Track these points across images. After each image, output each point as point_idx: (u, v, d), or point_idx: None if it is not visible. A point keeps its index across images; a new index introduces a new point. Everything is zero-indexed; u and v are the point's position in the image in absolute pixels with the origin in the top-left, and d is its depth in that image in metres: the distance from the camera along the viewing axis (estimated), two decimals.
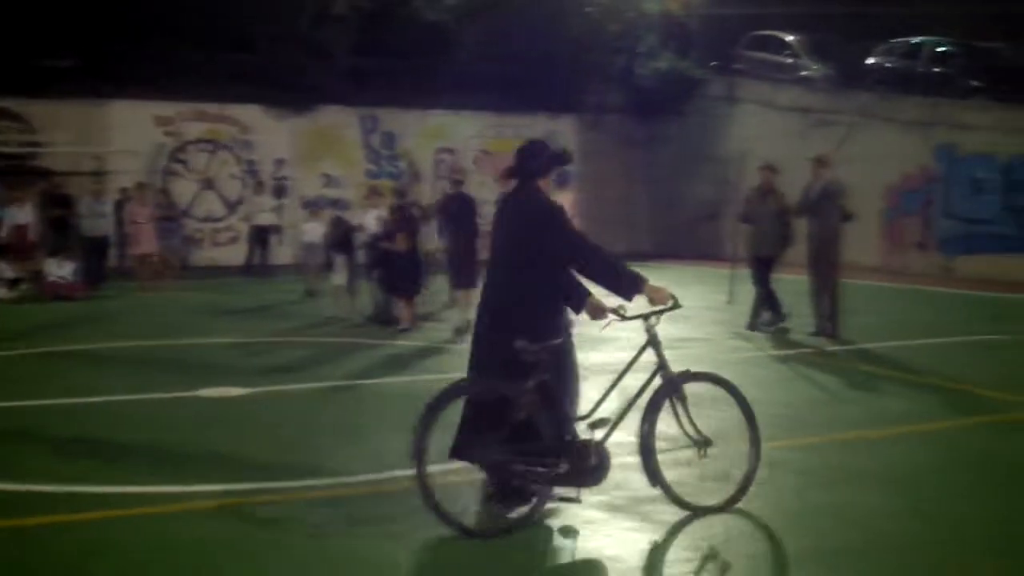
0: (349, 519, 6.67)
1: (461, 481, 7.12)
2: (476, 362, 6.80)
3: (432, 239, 17.42)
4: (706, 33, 31.79)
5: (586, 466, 6.40)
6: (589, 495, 6.98)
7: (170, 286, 20.96)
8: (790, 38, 29.15)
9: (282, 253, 24.44)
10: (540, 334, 6.36)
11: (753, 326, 15.03)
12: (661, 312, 6.58)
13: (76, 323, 16.38)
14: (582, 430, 6.54)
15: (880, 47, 27.35)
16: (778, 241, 14.95)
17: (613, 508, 6.84)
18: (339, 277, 16.88)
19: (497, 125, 29.82)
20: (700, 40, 31.71)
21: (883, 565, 5.92)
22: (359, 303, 16.40)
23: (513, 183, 6.92)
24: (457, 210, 15.36)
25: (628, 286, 6.50)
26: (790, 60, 28.86)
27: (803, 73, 28.41)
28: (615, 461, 7.39)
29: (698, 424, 6.74)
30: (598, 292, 6.71)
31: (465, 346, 13.49)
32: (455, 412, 6.61)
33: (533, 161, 6.76)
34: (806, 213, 14.51)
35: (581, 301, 6.71)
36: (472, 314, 14.33)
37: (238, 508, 6.89)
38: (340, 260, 16.89)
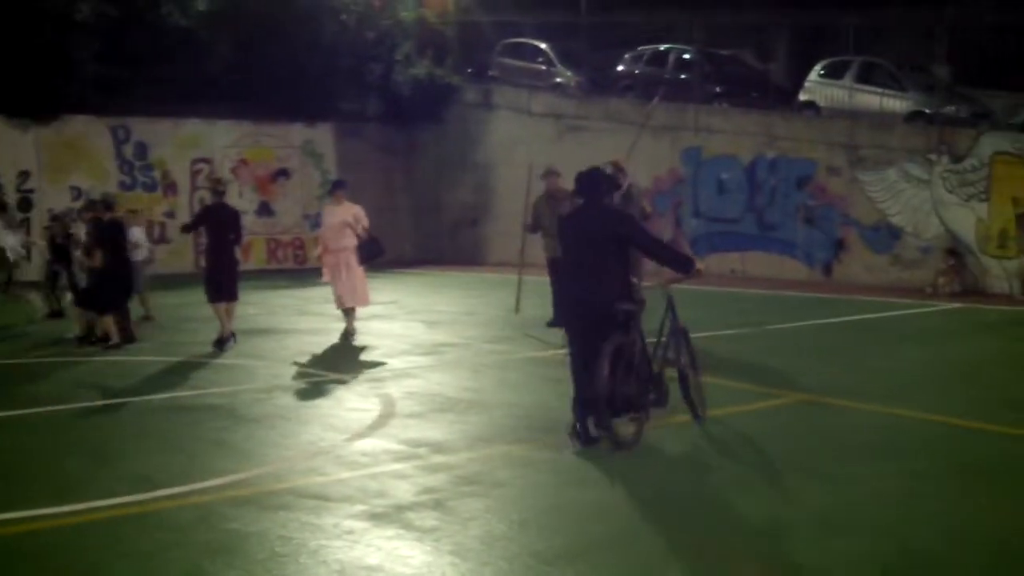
0: (103, 544, 6.51)
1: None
2: (585, 332, 8.66)
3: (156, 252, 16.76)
4: (462, 40, 32.10)
5: (663, 391, 9.05)
6: (350, 506, 7.05)
7: None
8: (544, 45, 29.76)
9: (29, 270, 23.41)
10: (632, 298, 8.78)
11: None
12: (673, 282, 9.18)
13: None
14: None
15: (629, 54, 28.23)
16: None
17: (374, 517, 6.88)
18: (68, 293, 16.26)
19: (254, 134, 29.39)
20: (456, 47, 31.99)
21: (634, 556, 6.17)
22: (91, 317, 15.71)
23: (579, 200, 9.28)
24: (219, 221, 14.92)
25: (686, 265, 8.88)
26: (544, 67, 29.46)
27: (557, 80, 29.07)
28: (374, 471, 7.50)
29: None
30: None
31: (226, 360, 13.39)
32: None
33: (600, 186, 9.06)
34: None
35: None
36: (232, 326, 14.22)
37: None
38: (63, 274, 16.29)
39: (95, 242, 14.65)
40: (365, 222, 15.27)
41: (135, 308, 16.82)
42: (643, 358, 8.75)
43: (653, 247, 9.05)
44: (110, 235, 14.80)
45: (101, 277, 14.65)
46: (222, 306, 14.71)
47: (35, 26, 24.95)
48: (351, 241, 15.08)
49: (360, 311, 15.69)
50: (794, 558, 6.08)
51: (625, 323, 8.57)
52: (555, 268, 14.69)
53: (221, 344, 14.44)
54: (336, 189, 15.80)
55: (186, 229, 16.74)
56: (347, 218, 15.09)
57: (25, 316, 18.08)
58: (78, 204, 21.84)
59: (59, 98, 25.77)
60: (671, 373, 9.28)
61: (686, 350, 9.37)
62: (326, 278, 15.29)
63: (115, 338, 14.74)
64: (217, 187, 15.75)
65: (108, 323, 14.78)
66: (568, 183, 12.19)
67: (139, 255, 16.57)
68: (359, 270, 15.18)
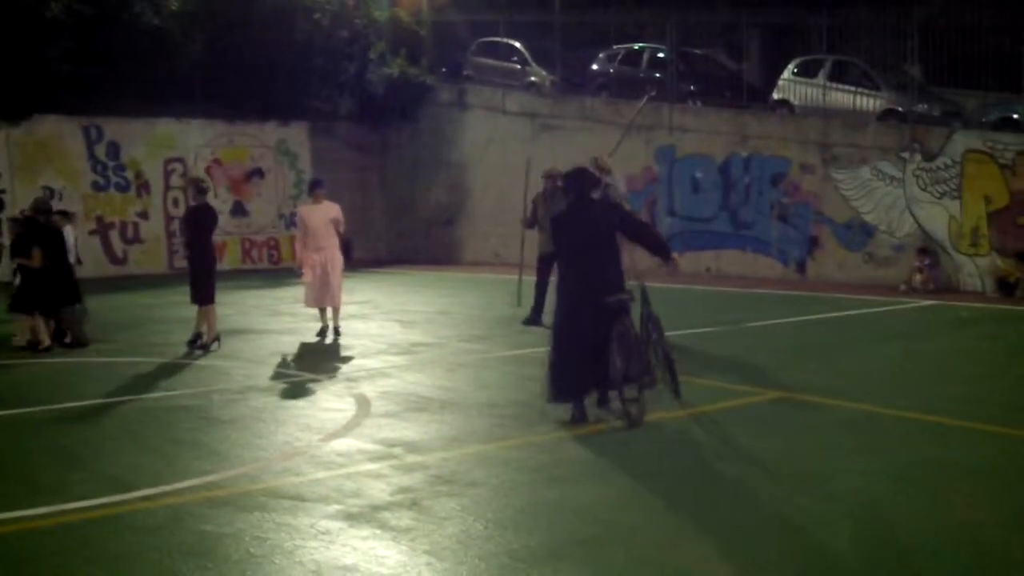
0: (75, 547, 6.46)
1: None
2: (586, 320, 9.37)
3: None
4: (435, 40, 32.07)
5: (653, 374, 9.78)
6: (326, 506, 7.03)
7: None
8: (518, 44, 29.73)
9: (2, 271, 23.28)
10: (626, 288, 9.65)
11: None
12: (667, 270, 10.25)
13: None
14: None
15: (603, 53, 28.24)
16: None
17: (349, 517, 6.85)
18: None
19: (228, 133, 29.28)
20: (430, 47, 31.97)
21: (613, 555, 6.16)
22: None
23: (571, 196, 10.08)
24: (201, 222, 14.68)
25: (666, 251, 10.02)
26: (518, 66, 29.44)
27: (531, 79, 29.05)
28: (349, 471, 7.47)
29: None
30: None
31: (200, 361, 13.32)
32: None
33: (588, 183, 10.01)
34: None
35: None
36: (205, 329, 14.05)
37: None
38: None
39: (32, 243, 14.48)
40: (343, 222, 15.27)
41: None
42: (638, 341, 9.68)
43: (641, 233, 10.19)
44: (47, 238, 14.68)
45: (35, 279, 14.49)
46: (206, 308, 14.54)
47: (6, 24, 24.76)
48: (334, 240, 15.09)
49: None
50: (773, 557, 6.10)
51: (621, 311, 9.42)
52: (546, 264, 14.88)
53: (193, 344, 14.33)
54: (316, 188, 15.61)
55: (187, 237, 15.58)
56: (332, 216, 15.06)
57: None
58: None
59: (31, 97, 25.62)
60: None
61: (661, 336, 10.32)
62: (308, 277, 15.13)
63: (46, 342, 14.56)
64: (201, 186, 15.50)
65: (36, 325, 14.59)
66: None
67: (71, 258, 16.29)
68: (340, 269, 15.15)
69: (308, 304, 15.45)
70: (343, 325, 15.28)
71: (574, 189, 9.99)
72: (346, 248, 15.27)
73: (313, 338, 14.94)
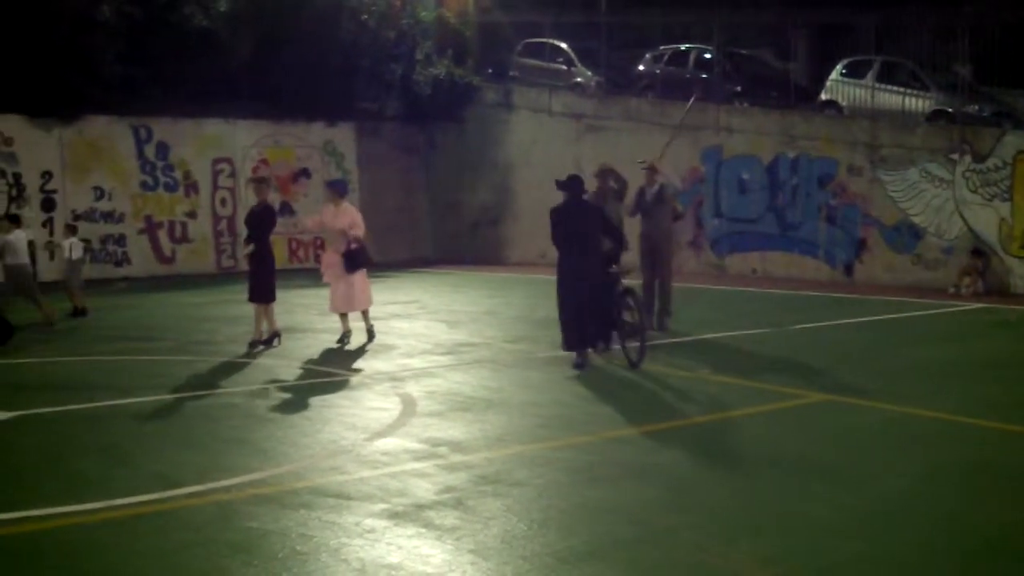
0: (122, 542, 6.52)
1: None
2: (580, 290, 12.30)
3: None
4: (481, 40, 32.15)
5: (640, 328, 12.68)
6: (371, 504, 7.05)
7: None
8: (563, 45, 29.73)
9: (52, 269, 23.56)
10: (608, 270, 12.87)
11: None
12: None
13: None
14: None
15: (649, 54, 28.17)
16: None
17: (394, 516, 6.87)
18: None
19: (275, 134, 29.49)
20: (476, 47, 32.03)
21: (653, 556, 6.15)
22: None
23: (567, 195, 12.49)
24: (262, 222, 14.74)
25: (621, 245, 12.98)
26: (564, 67, 29.43)
27: (577, 80, 29.04)
28: (394, 470, 7.48)
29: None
30: None
31: (245, 359, 13.41)
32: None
33: (581, 186, 12.46)
34: (642, 213, 15.05)
35: None
36: (265, 327, 13.97)
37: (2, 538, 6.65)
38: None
39: None
40: (359, 230, 14.69)
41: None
42: (638, 303, 12.79)
43: (611, 229, 12.78)
44: None
45: None
46: (263, 307, 14.59)
47: (58, 27, 25.08)
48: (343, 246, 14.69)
49: (378, 310, 15.49)
50: (814, 559, 6.06)
51: (617, 281, 12.82)
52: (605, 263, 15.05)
53: (252, 345, 14.36)
54: (341, 191, 15.34)
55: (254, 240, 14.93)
56: (344, 223, 14.61)
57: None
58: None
59: (81, 98, 25.93)
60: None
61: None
62: (327, 279, 14.91)
63: None
64: (265, 184, 15.60)
65: None
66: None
67: None
68: (346, 274, 14.66)
69: (333, 308, 14.96)
70: (382, 324, 15.19)
71: (570, 191, 12.38)
72: (355, 257, 14.60)
73: (362, 339, 14.85)
